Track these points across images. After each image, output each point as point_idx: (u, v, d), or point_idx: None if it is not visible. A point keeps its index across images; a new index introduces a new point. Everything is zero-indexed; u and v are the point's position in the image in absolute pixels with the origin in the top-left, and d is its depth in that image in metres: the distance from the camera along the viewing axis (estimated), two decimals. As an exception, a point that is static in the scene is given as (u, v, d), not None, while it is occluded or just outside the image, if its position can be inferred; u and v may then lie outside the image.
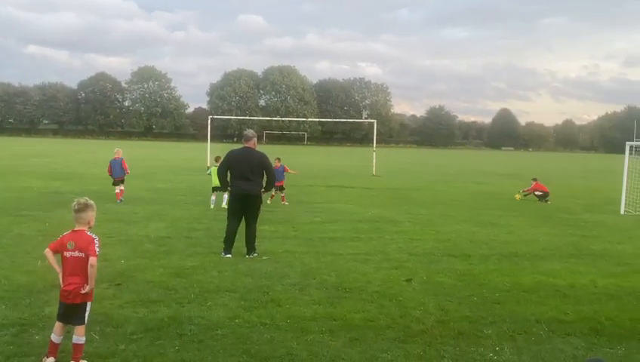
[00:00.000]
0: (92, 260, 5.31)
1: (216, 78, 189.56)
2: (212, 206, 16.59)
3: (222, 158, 10.90)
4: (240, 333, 6.16)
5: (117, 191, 17.80)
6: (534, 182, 22.47)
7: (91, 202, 5.52)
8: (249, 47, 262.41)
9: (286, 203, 18.38)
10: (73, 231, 5.42)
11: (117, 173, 18.01)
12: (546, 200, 21.48)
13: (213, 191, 16.79)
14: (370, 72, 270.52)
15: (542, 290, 8.40)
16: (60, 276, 5.40)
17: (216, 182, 15.06)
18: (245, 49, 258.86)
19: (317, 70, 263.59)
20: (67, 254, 5.34)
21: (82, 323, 5.33)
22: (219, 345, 5.83)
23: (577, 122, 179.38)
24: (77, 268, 5.31)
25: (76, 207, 5.43)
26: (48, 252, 5.41)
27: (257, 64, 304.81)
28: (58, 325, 5.37)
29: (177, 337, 6.01)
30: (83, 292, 5.27)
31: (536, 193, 21.99)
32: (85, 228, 5.44)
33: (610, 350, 6.09)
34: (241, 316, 6.73)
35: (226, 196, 15.11)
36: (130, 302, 7.16)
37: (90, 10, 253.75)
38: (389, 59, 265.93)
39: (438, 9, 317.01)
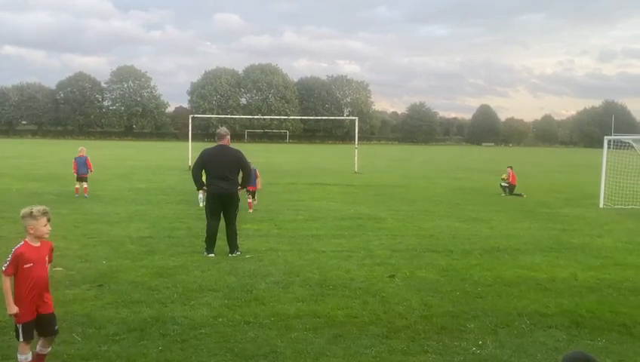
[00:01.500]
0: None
1: (195, 76, 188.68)
2: (201, 204, 16.28)
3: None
4: (224, 332, 6.15)
5: (77, 186, 18.74)
6: (510, 170, 22.68)
7: (30, 209, 4.99)
8: (227, 46, 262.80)
9: (251, 211, 15.60)
10: None
11: (81, 170, 18.78)
12: (519, 194, 21.74)
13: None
14: (349, 69, 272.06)
15: (523, 284, 8.48)
16: None
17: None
18: (224, 47, 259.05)
19: (296, 68, 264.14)
20: None
21: (17, 339, 5.03)
22: (202, 344, 5.82)
23: (556, 117, 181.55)
24: None
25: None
26: None
27: (236, 62, 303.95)
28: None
29: (160, 337, 5.98)
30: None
31: (504, 185, 22.31)
32: (29, 237, 4.99)
33: (590, 342, 6.17)
34: (225, 315, 6.72)
35: (200, 195, 15.44)
36: (112, 302, 7.11)
37: (64, 9, 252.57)
38: (367, 56, 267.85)
39: (416, 6, 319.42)
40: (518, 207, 18.33)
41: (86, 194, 18.37)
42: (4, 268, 4.82)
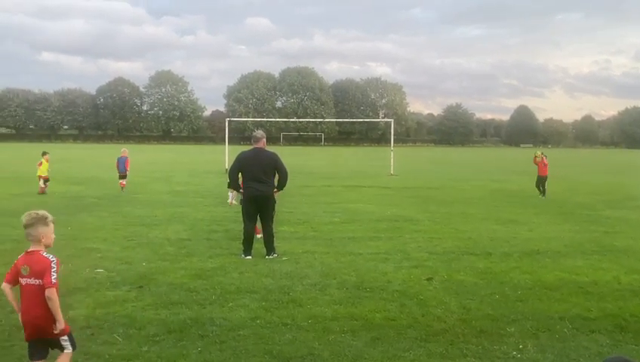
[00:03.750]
0: (48, 292, 4.31)
1: (228, 80, 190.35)
2: (229, 201, 17.27)
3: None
4: (262, 334, 6.18)
5: (120, 181, 21.99)
6: (543, 157, 22.29)
7: (43, 214, 4.53)
8: (259, 49, 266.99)
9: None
10: (27, 252, 4.49)
11: (120, 168, 22.17)
12: (543, 190, 21.45)
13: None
14: (380, 71, 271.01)
15: (564, 287, 8.31)
16: (18, 311, 4.55)
17: None
18: (255, 51, 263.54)
19: (327, 71, 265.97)
20: (23, 281, 4.42)
21: (65, 349, 4.55)
22: (241, 345, 5.85)
23: (596, 118, 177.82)
24: (36, 299, 4.37)
25: (24, 221, 4.47)
26: (5, 287, 4.50)
27: (268, 66, 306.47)
28: None
29: (200, 338, 6.04)
30: (55, 332, 4.42)
31: (540, 174, 22.01)
32: (40, 247, 4.47)
33: (635, 347, 6.01)
34: (263, 316, 6.75)
35: (230, 193, 17.01)
36: (152, 304, 7.20)
37: (100, 16, 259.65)
38: (397, 58, 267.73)
39: (450, 7, 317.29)
40: (558, 209, 17.99)
41: (122, 189, 21.37)
42: (55, 281, 4.36)
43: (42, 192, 20.14)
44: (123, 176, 21.90)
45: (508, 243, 11.91)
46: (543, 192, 21.51)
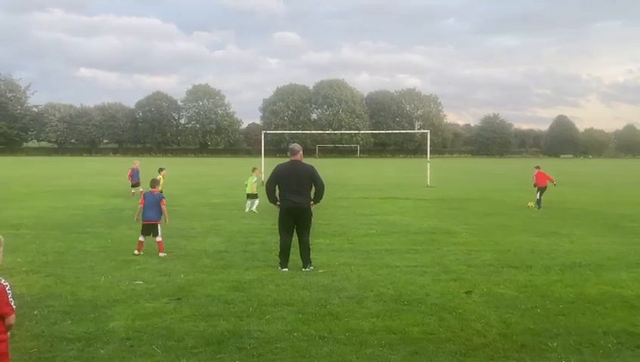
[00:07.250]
0: (10, 319, 3.95)
1: (258, 93, 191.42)
2: (247, 210, 19.24)
3: (266, 171, 10.92)
4: (299, 347, 6.15)
5: (133, 191, 24.88)
6: (537, 171, 21.93)
7: None
8: (289, 63, 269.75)
9: (163, 254, 11.44)
10: None
11: (134, 177, 25.35)
12: (537, 203, 21.19)
13: (247, 198, 19.68)
14: (410, 83, 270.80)
15: (608, 301, 8.09)
16: None
17: (249, 190, 19.45)
18: (285, 64, 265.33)
19: (357, 82, 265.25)
20: None
21: None
22: (278, 358, 5.83)
23: (637, 127, 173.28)
24: None
25: None
26: None
27: (299, 79, 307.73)
28: None
29: (237, 351, 6.04)
30: None
31: (539, 186, 21.69)
32: None
33: (685, 364, 5.80)
34: (300, 329, 6.73)
35: (257, 201, 18.96)
36: (190, 316, 7.25)
37: (132, 32, 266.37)
38: (428, 69, 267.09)
39: (487, 17, 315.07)
40: (601, 221, 17.59)
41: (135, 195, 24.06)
42: (15, 306, 4.01)
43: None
44: (136, 185, 25.15)
45: (549, 255, 11.68)
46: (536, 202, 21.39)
